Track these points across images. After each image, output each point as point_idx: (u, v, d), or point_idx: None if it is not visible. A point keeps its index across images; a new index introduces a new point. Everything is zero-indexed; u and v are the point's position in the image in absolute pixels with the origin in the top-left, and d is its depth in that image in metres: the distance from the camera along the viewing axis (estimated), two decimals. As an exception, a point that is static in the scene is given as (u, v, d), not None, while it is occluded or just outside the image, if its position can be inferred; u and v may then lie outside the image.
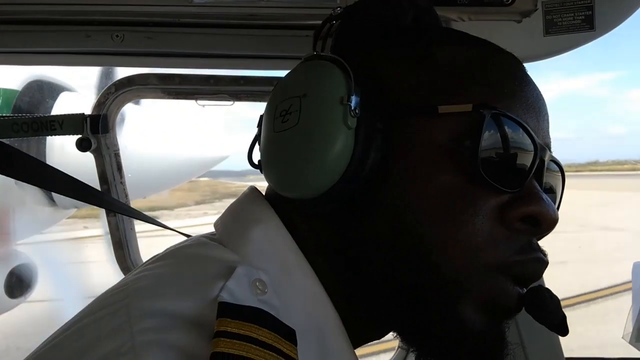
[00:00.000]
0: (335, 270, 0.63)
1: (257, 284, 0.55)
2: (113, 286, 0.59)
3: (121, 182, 1.44)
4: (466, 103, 0.59)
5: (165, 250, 0.65)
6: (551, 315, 0.61)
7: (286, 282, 0.59)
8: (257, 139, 0.68)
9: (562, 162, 0.66)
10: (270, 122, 0.62)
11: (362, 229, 0.61)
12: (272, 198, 0.65)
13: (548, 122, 0.66)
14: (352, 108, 0.57)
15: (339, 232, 0.63)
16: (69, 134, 1.35)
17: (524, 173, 0.59)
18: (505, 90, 0.62)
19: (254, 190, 0.69)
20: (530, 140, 0.59)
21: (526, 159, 0.59)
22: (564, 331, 0.63)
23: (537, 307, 0.60)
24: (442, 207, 0.57)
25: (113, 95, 1.37)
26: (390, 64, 0.64)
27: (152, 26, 1.24)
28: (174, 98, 1.43)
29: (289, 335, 0.50)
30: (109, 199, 1.39)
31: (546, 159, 0.62)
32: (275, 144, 0.61)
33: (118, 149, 1.42)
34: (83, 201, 1.22)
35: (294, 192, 0.60)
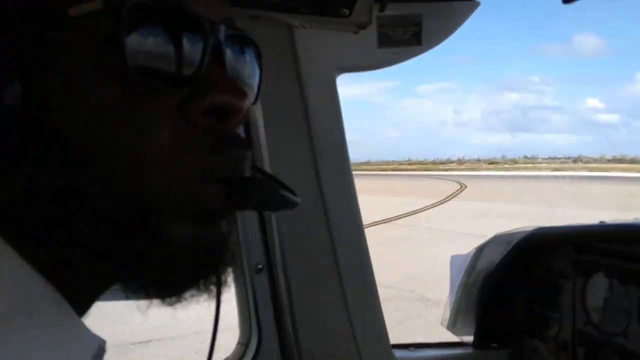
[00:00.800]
0: (26, 239, 0.51)
1: None
2: None
3: None
4: None
5: None
6: (265, 199, 0.58)
7: None
8: None
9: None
10: None
11: (33, 185, 0.49)
12: None
13: None
14: None
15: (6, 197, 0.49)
16: None
17: (194, 60, 0.50)
18: None
19: None
20: (194, 21, 0.50)
21: (195, 44, 0.50)
22: (284, 207, 0.61)
23: (243, 200, 0.55)
24: (111, 130, 0.47)
25: None
26: None
27: None
28: None
29: None
30: None
31: (222, 36, 0.53)
32: None
33: None
34: None
35: None
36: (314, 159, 1.39)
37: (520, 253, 1.66)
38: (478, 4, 1.45)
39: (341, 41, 1.39)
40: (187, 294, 0.55)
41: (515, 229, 1.72)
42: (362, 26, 1.36)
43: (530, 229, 1.67)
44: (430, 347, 1.66)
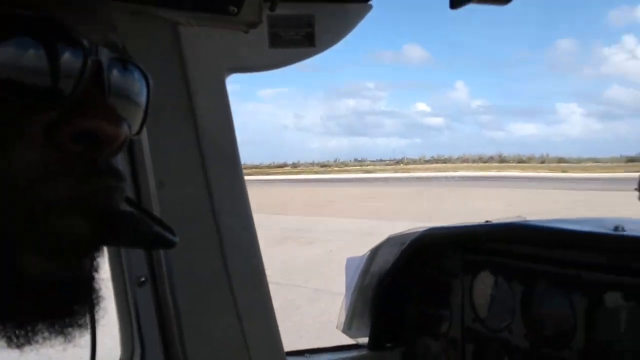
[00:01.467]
0: None
1: None
2: None
3: None
4: None
5: None
6: (137, 236, 0.55)
7: None
8: None
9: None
10: None
11: None
12: None
13: (108, 16, 0.53)
14: None
15: None
16: None
17: (66, 77, 0.46)
18: None
19: None
20: (69, 35, 0.46)
21: (69, 60, 0.46)
22: (159, 246, 0.59)
23: (111, 237, 0.51)
24: None
25: None
26: None
27: None
28: None
29: None
30: None
31: (105, 59, 0.49)
32: None
33: None
34: None
35: None
36: (202, 164, 1.32)
37: (412, 253, 1.68)
38: (370, 6, 1.43)
39: (231, 41, 1.33)
40: (38, 337, 0.48)
41: (409, 229, 1.74)
42: (252, 25, 1.30)
43: (422, 229, 1.70)
44: (325, 351, 1.66)
